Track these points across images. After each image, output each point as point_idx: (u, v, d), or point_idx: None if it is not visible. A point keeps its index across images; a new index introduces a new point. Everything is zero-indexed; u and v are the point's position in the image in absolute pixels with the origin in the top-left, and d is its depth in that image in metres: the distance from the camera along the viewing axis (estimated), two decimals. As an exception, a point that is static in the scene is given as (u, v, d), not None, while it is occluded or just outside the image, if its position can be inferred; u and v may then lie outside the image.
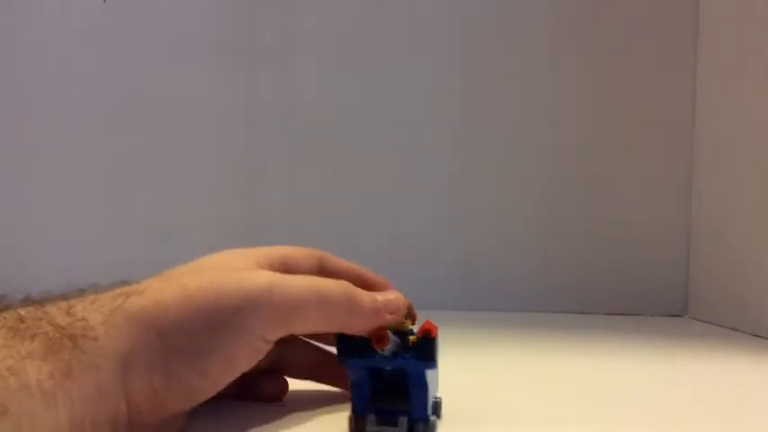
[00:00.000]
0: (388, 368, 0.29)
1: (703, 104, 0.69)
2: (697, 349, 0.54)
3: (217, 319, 0.25)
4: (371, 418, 0.29)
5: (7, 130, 0.73)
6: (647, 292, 0.70)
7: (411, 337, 0.29)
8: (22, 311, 0.23)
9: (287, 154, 0.73)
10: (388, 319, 0.30)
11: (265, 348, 0.28)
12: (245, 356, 0.27)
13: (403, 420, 0.29)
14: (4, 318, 0.23)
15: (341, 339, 0.29)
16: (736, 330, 0.60)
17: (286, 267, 0.31)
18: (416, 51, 0.72)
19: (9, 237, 0.73)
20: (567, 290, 0.71)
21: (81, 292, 0.26)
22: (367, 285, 0.33)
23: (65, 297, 0.25)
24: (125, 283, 0.27)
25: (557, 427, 0.33)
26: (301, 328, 0.29)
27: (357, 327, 0.29)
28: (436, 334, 0.29)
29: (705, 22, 0.68)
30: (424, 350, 0.28)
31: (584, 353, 0.51)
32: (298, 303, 0.27)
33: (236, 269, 0.28)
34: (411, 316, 0.32)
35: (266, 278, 0.27)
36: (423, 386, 0.29)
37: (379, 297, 0.30)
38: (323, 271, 0.33)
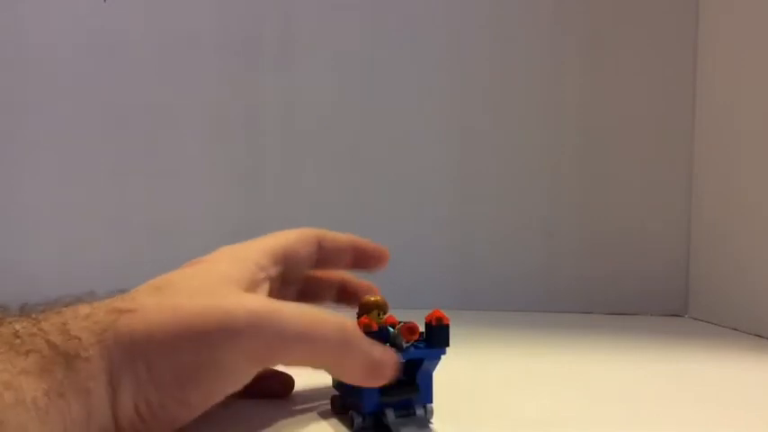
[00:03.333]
0: (404, 360, 0.29)
1: (703, 104, 0.69)
2: (697, 349, 0.54)
3: (201, 355, 0.25)
4: (390, 412, 0.29)
5: (7, 130, 0.73)
6: (647, 292, 0.70)
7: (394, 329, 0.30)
8: (18, 326, 0.23)
9: (287, 154, 0.73)
10: (382, 379, 0.28)
11: (247, 379, 0.27)
12: (227, 388, 0.27)
13: (422, 408, 0.30)
14: (0, 333, 0.23)
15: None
16: (736, 330, 0.60)
17: (287, 262, 0.31)
18: (416, 51, 0.72)
19: (9, 237, 0.73)
20: (568, 290, 0.71)
21: (77, 301, 0.26)
22: (365, 256, 0.35)
23: (60, 310, 0.25)
24: (121, 291, 0.27)
25: (557, 427, 0.33)
26: (287, 363, 0.29)
27: (347, 375, 0.28)
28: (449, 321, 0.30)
29: (705, 22, 0.68)
30: (439, 337, 0.29)
31: (585, 353, 0.51)
32: (284, 341, 0.27)
33: (230, 287, 0.28)
34: (383, 309, 0.32)
35: (255, 310, 0.26)
36: (431, 372, 0.30)
37: (377, 353, 0.28)
38: (323, 251, 0.33)
